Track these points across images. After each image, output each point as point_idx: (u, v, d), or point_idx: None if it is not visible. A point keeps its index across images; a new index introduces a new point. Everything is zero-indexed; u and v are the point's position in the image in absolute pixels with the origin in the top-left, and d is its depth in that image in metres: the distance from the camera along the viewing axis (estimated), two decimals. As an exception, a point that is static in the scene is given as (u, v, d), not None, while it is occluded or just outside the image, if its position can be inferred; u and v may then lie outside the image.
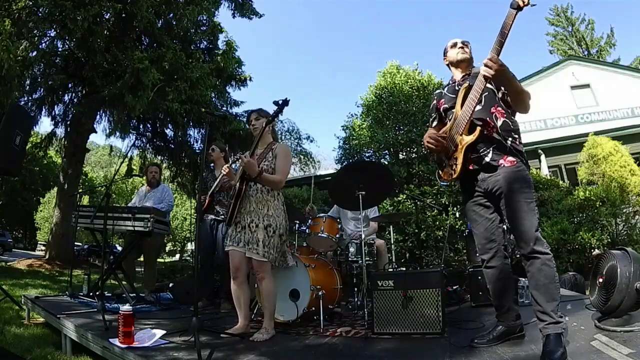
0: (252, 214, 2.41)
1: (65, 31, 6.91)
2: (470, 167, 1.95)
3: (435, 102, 2.24)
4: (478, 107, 1.90)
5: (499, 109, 1.96)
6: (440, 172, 2.13)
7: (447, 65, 2.21)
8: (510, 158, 1.88)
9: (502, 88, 1.96)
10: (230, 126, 8.69)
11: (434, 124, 2.24)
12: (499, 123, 1.93)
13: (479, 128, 1.88)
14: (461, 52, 2.10)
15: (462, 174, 1.95)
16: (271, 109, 2.44)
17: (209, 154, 3.91)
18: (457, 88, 2.07)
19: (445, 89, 2.20)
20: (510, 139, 1.92)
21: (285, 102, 2.33)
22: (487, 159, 1.90)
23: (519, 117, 2.03)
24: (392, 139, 7.27)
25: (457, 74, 2.15)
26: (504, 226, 2.07)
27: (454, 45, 2.13)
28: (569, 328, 2.09)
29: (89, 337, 2.14)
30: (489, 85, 1.91)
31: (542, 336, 1.69)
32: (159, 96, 7.69)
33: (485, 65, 1.74)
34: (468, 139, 1.89)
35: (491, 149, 1.90)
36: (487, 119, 1.93)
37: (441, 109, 2.18)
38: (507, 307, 2.00)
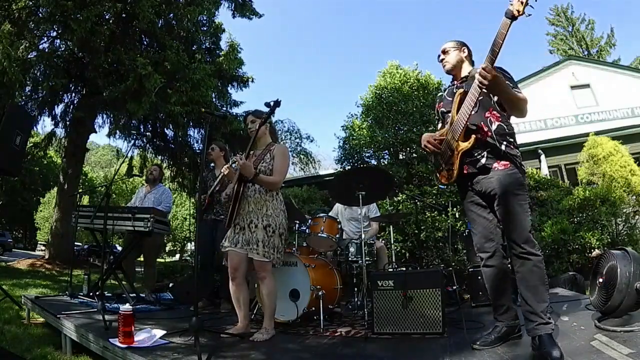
0: (251, 214, 2.41)
1: (67, 32, 6.92)
2: (465, 171, 1.97)
3: (436, 104, 2.26)
4: (473, 111, 1.90)
5: (494, 112, 1.96)
6: (438, 175, 2.16)
7: None
8: (504, 162, 1.90)
9: None
10: (230, 126, 8.70)
11: (439, 126, 2.26)
12: (494, 127, 1.94)
13: (473, 136, 1.89)
14: (443, 65, 2.12)
15: (458, 178, 1.99)
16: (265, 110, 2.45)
17: (208, 153, 3.91)
18: (455, 91, 2.08)
19: (446, 91, 2.22)
20: (505, 142, 1.93)
21: (277, 103, 2.33)
22: (482, 163, 1.93)
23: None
24: (392, 139, 7.25)
25: (456, 78, 2.16)
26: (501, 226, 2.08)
27: (438, 57, 2.14)
28: (569, 328, 2.09)
29: (89, 337, 2.14)
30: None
31: (531, 337, 1.72)
32: (160, 98, 7.70)
33: (480, 75, 1.73)
34: (464, 145, 1.91)
35: (485, 152, 1.93)
36: (482, 123, 1.94)
37: (439, 112, 2.20)
38: (507, 306, 2.00)
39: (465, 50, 2.11)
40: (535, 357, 1.67)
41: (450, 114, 2.04)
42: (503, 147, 1.91)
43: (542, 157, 10.15)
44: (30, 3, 6.99)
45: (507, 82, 1.86)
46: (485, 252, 2.01)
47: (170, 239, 27.43)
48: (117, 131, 9.41)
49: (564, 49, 24.01)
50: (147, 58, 7.37)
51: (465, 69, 2.10)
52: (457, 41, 2.13)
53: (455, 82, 2.14)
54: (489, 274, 2.02)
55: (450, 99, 2.09)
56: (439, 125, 2.26)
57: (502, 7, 1.61)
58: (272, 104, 2.34)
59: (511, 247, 1.86)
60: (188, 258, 25.77)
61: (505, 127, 1.95)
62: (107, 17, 7.68)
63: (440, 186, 2.20)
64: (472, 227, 2.10)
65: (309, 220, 3.61)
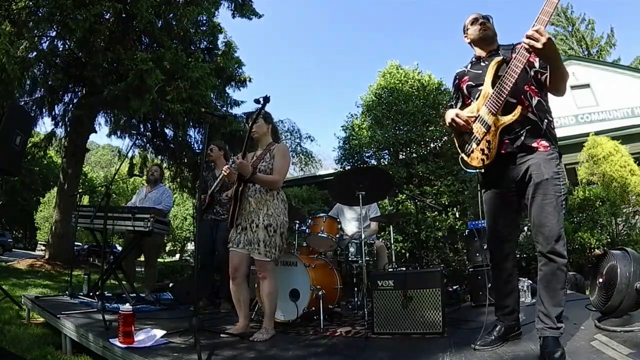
0: (252, 214, 2.41)
1: (66, 31, 6.92)
2: (503, 151, 1.77)
3: (457, 81, 2.05)
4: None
5: (532, 87, 1.78)
6: (466, 158, 1.91)
7: (469, 43, 2.01)
8: (545, 142, 1.74)
9: (536, 65, 1.77)
10: (230, 126, 8.70)
11: (459, 105, 2.05)
12: (534, 102, 1.76)
13: (519, 107, 1.69)
14: (482, 30, 1.91)
15: (496, 159, 1.77)
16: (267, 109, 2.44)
17: (208, 154, 3.90)
18: (482, 64, 1.92)
19: (469, 66, 2.02)
20: (546, 120, 1.77)
21: (267, 100, 2.32)
22: (521, 140, 1.74)
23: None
24: (392, 139, 7.26)
25: (481, 52, 1.97)
26: (525, 227, 1.99)
27: (474, 21, 1.94)
28: (569, 328, 2.09)
29: (89, 337, 2.14)
30: None
31: (539, 336, 1.69)
32: (159, 96, 7.70)
33: (530, 38, 1.54)
34: (506, 119, 1.70)
35: (525, 130, 1.74)
36: (522, 96, 1.75)
37: (464, 87, 1.99)
38: (512, 308, 1.96)
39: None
40: (537, 356, 1.66)
41: (481, 87, 1.84)
42: (544, 126, 1.75)
43: (542, 157, 10.13)
44: (30, 3, 6.99)
45: None
46: (499, 252, 1.92)
47: (170, 239, 27.41)
48: (118, 131, 9.41)
49: (564, 49, 24.00)
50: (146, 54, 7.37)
51: (494, 45, 1.94)
52: None
53: (482, 56, 1.96)
54: (500, 277, 1.95)
55: (480, 71, 1.90)
56: (458, 104, 2.04)
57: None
58: (261, 100, 2.34)
59: (539, 243, 1.70)
60: (188, 258, 25.80)
61: (544, 103, 1.78)
62: (106, 17, 7.68)
63: (468, 171, 1.98)
64: (489, 224, 1.94)
65: (309, 220, 3.62)
